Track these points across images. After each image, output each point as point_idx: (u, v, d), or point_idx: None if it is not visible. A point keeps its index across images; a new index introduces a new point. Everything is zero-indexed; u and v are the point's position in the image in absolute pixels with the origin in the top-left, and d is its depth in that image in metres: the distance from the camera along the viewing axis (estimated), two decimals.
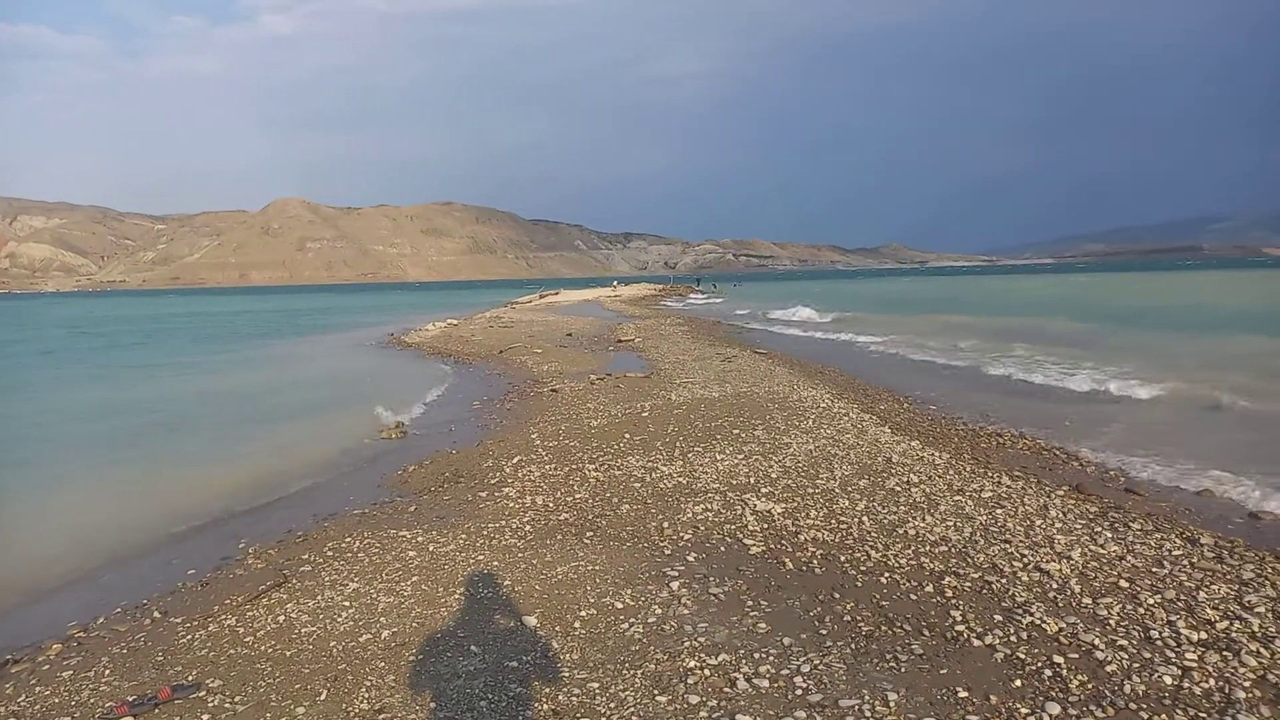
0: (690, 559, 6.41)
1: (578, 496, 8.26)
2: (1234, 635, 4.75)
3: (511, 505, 8.09)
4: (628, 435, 11.04)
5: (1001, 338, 23.74)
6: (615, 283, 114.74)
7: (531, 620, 5.36)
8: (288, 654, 5.10)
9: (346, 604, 5.79)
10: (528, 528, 7.35)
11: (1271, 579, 5.58)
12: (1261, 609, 5.09)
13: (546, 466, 9.54)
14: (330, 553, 6.96)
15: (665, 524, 7.25)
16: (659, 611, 5.43)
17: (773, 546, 6.61)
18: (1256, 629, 4.83)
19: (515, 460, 9.91)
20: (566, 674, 4.66)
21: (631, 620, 5.32)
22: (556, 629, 5.24)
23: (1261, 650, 4.56)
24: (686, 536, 6.93)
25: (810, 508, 7.51)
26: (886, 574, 5.94)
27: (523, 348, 24.23)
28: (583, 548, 6.74)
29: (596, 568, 6.27)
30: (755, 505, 7.61)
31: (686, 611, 5.43)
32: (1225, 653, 4.55)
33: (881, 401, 13.79)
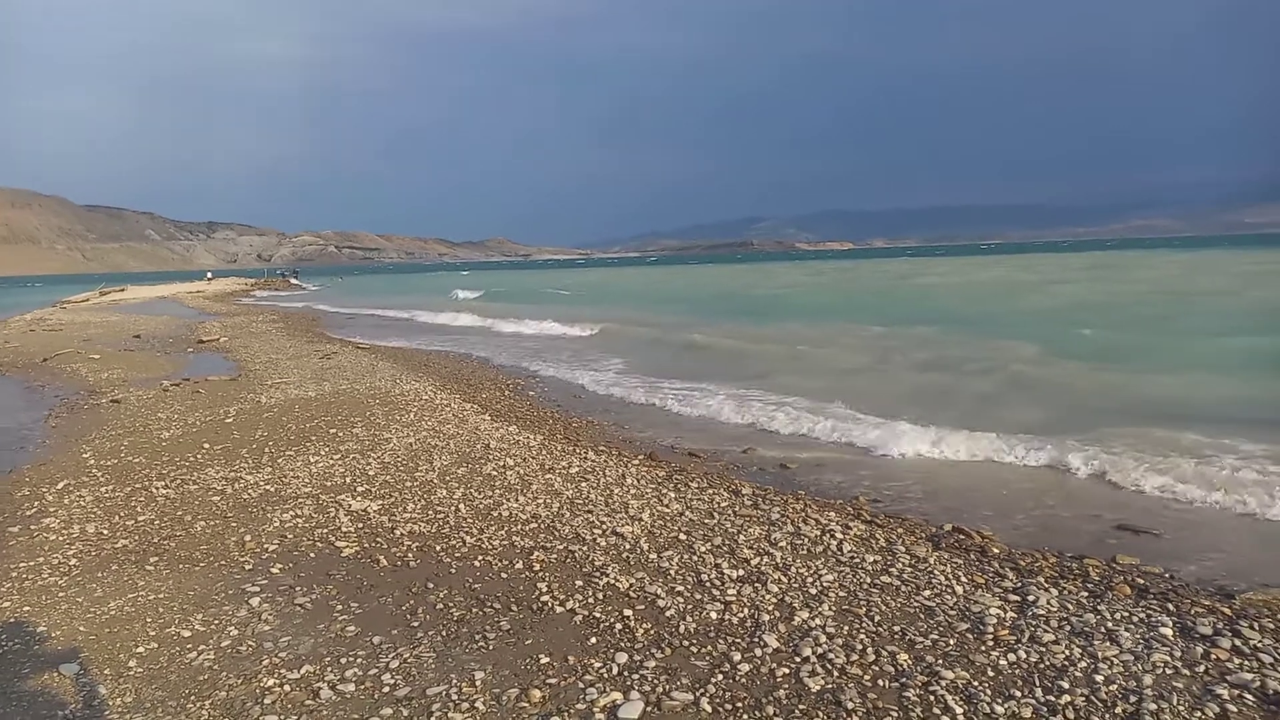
0: (275, 571, 5.99)
1: (141, 519, 7.27)
2: (762, 568, 5.66)
3: (53, 538, 6.87)
4: (207, 445, 9.98)
5: (610, 323, 25.60)
6: (209, 275, 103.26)
7: (73, 668, 4.60)
8: None
9: None
10: (73, 562, 6.30)
11: (791, 517, 6.75)
12: (783, 543, 6.14)
13: (102, 489, 8.27)
14: None
15: (248, 537, 6.68)
16: (235, 633, 4.99)
17: (367, 545, 6.43)
18: (779, 560, 5.80)
19: (61, 485, 8.43)
20: None
21: (201, 647, 4.82)
22: (106, 673, 4.57)
23: (781, 577, 5.49)
24: (272, 548, 6.46)
25: (408, 501, 7.45)
26: (480, 557, 6.10)
27: (75, 353, 20.64)
28: (144, 576, 5.95)
29: (161, 596, 5.57)
30: (350, 505, 7.35)
31: (268, 628, 5.06)
32: (756, 584, 5.40)
33: (484, 390, 14.10)
